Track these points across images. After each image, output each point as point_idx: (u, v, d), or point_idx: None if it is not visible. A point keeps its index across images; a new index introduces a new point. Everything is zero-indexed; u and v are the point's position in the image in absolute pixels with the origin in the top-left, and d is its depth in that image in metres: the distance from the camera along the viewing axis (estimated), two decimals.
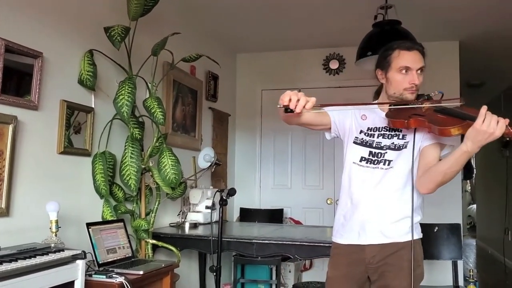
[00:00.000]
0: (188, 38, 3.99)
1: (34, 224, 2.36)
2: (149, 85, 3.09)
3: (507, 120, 1.63)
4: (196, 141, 4.32)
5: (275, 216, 4.84)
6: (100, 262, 2.51)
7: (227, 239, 3.19)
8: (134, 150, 2.87)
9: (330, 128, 2.08)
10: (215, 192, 3.11)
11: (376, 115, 2.03)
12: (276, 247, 3.12)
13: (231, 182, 5.13)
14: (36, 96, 2.41)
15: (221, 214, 2.94)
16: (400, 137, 1.97)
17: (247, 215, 4.92)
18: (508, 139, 1.70)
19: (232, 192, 2.99)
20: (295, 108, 1.66)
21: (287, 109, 1.69)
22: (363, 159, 1.98)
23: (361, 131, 2.03)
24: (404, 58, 1.92)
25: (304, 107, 1.67)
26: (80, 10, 2.81)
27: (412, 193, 1.91)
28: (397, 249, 1.92)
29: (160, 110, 2.88)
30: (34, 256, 1.93)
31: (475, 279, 4.49)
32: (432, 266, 4.55)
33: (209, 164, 4.04)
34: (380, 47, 3.37)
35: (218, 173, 4.73)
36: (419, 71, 1.93)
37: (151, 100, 2.92)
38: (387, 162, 1.94)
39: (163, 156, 3.01)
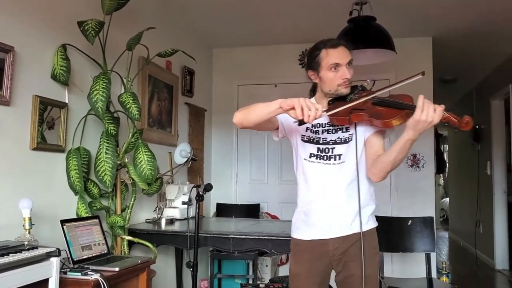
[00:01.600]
0: (163, 32, 3.96)
1: (7, 221, 2.32)
2: (124, 80, 3.06)
3: (443, 107, 1.72)
4: (172, 136, 4.29)
5: (251, 211, 4.85)
6: (75, 259, 2.48)
7: (204, 235, 3.19)
8: (109, 146, 2.84)
9: (277, 129, 2.12)
10: (192, 188, 3.11)
11: None
12: (252, 242, 3.14)
13: (208, 178, 5.13)
14: (8, 91, 2.37)
15: (197, 210, 2.94)
16: (344, 130, 2.03)
17: (223, 210, 4.93)
18: (446, 124, 1.80)
19: (208, 187, 2.99)
20: (307, 121, 1.73)
21: (301, 122, 1.73)
22: (313, 155, 2.04)
23: (307, 129, 2.08)
24: (333, 56, 1.97)
25: (315, 117, 1.72)
26: (53, 3, 2.76)
27: (358, 185, 1.99)
28: (357, 239, 1.99)
29: (136, 105, 2.86)
30: (7, 254, 1.90)
31: (447, 271, 4.60)
32: (406, 258, 4.65)
33: (186, 159, 4.03)
34: (356, 42, 3.44)
35: (195, 168, 4.72)
36: (348, 65, 1.99)
37: (126, 95, 2.90)
38: (337, 157, 2.00)
39: (138, 151, 2.99)
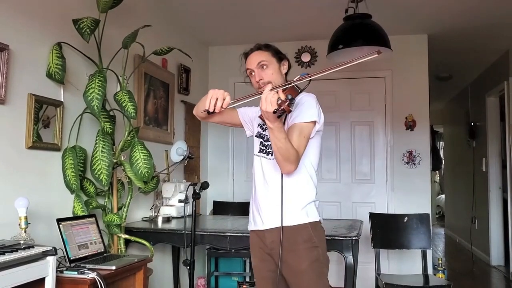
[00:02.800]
0: (159, 30, 3.95)
1: (3, 220, 2.31)
2: (120, 78, 3.05)
3: (275, 95, 1.74)
4: (168, 134, 4.29)
5: (248, 208, 4.83)
6: (71, 258, 2.48)
7: (201, 233, 3.20)
8: (105, 144, 2.83)
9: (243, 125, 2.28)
10: (188, 186, 3.10)
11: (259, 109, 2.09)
12: (249, 239, 3.13)
13: (204, 176, 5.13)
14: (3, 90, 2.36)
15: (194, 208, 2.93)
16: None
17: (220, 208, 4.92)
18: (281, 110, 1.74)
19: (205, 185, 2.98)
20: (214, 109, 1.88)
21: (208, 111, 1.89)
22: (260, 150, 2.14)
23: (258, 125, 2.19)
24: (246, 64, 2.16)
25: (221, 107, 1.89)
26: (48, 1, 2.75)
27: (281, 179, 2.00)
28: (291, 232, 1.99)
29: (132, 103, 2.85)
30: (3, 253, 1.90)
31: (443, 267, 4.63)
32: (402, 255, 4.66)
33: (182, 157, 4.02)
34: (351, 40, 3.44)
35: (191, 166, 4.72)
36: (260, 67, 2.10)
37: (122, 93, 2.89)
38: (271, 153, 2.05)
39: (135, 150, 2.99)
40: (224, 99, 1.90)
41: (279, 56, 2.14)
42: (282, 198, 2.00)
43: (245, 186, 5.24)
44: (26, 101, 2.54)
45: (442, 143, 10.70)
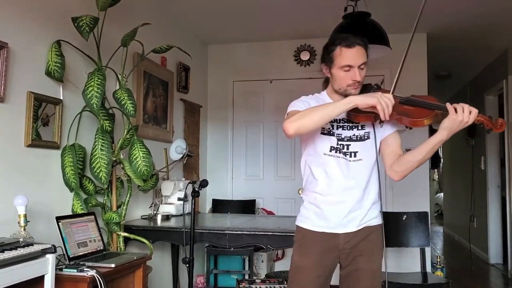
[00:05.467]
0: (158, 28, 3.94)
1: (2, 218, 2.31)
2: (119, 76, 3.05)
3: (476, 110, 1.78)
4: (167, 132, 4.29)
5: (247, 207, 4.86)
6: (70, 256, 2.48)
7: (200, 231, 3.20)
8: (105, 142, 2.83)
9: None
10: (187, 184, 3.10)
11: None
12: (248, 237, 3.14)
13: (203, 174, 5.13)
14: (2, 88, 2.36)
15: (193, 206, 2.94)
16: (360, 128, 2.03)
17: (219, 206, 4.93)
18: (481, 125, 1.83)
19: (204, 183, 2.99)
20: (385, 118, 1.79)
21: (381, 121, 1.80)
22: (333, 148, 2.00)
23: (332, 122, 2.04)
24: (346, 57, 1.93)
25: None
26: None
27: (379, 180, 2.00)
28: (368, 233, 2.01)
29: (131, 101, 2.85)
30: (2, 251, 1.90)
31: (442, 265, 4.64)
32: (401, 253, 4.67)
33: (181, 155, 4.03)
34: None
35: (190, 164, 4.72)
36: (361, 67, 1.96)
37: (121, 91, 2.89)
38: (353, 154, 1.99)
39: (134, 148, 2.99)
40: (391, 104, 1.80)
41: None
42: (380, 197, 2.04)
43: (244, 184, 5.26)
44: (25, 99, 2.54)
45: None
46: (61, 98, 2.81)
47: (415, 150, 1.90)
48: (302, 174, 2.15)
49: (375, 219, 2.05)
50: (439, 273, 4.49)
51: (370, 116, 1.91)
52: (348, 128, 2.02)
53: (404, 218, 3.90)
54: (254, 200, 4.95)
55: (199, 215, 4.20)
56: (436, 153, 9.38)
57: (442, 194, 10.76)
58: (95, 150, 2.81)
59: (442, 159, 10.09)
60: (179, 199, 3.80)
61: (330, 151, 2.00)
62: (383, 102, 1.76)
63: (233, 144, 5.34)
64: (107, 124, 2.90)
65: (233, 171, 5.31)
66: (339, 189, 1.99)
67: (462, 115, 1.74)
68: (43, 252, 2.07)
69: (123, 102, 2.84)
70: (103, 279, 2.26)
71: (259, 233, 3.12)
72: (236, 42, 5.24)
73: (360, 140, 2.01)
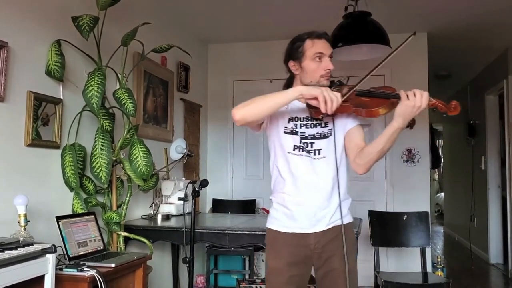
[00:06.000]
0: (159, 28, 3.94)
1: (2, 218, 2.31)
2: (119, 76, 3.05)
3: (427, 93, 1.75)
4: (167, 132, 4.29)
5: (247, 206, 4.86)
6: (71, 256, 2.48)
7: (200, 230, 3.20)
8: (105, 142, 2.83)
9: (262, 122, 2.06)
10: (188, 184, 3.10)
11: (294, 105, 2.03)
12: (248, 237, 3.14)
13: (204, 173, 5.13)
14: (2, 87, 2.36)
15: (193, 206, 2.93)
16: (323, 125, 2.02)
17: (219, 206, 4.93)
18: (435, 109, 1.82)
19: (204, 183, 2.99)
20: (328, 111, 1.77)
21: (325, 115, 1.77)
22: (296, 147, 2.00)
23: (289, 120, 2.04)
24: (318, 46, 1.98)
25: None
26: None
27: (338, 178, 1.98)
28: (338, 232, 1.98)
29: (131, 101, 2.85)
30: (3, 251, 1.90)
31: (442, 265, 4.64)
32: (401, 253, 4.67)
33: (181, 155, 4.02)
34: (351, 38, 3.43)
35: (190, 164, 4.72)
36: (331, 56, 2.00)
37: (122, 91, 2.89)
38: (317, 152, 1.99)
39: (134, 148, 2.98)
40: (338, 99, 1.78)
41: None
42: (340, 198, 1.99)
43: (244, 184, 5.25)
44: (25, 98, 2.53)
45: (441, 141, 10.71)
46: (61, 97, 2.81)
47: (375, 141, 1.89)
48: (271, 175, 2.14)
49: (345, 218, 2.02)
50: (439, 273, 4.49)
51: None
52: (312, 126, 2.01)
53: (404, 218, 3.90)
54: (254, 200, 4.95)
55: (199, 215, 4.19)
56: (437, 153, 9.39)
57: (442, 194, 10.75)
58: (95, 150, 2.81)
59: (442, 159, 10.09)
60: (179, 199, 3.80)
61: (294, 149, 2.00)
62: (326, 95, 1.77)
63: (233, 143, 5.33)
64: (107, 124, 2.90)
65: (233, 171, 5.31)
66: (305, 188, 1.98)
67: (414, 100, 1.73)
68: (43, 252, 2.07)
69: (123, 102, 2.84)
70: (103, 279, 2.26)
71: (259, 233, 3.11)
72: (236, 41, 5.24)
73: (323, 138, 2.00)
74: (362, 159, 1.94)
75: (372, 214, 3.90)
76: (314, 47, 1.98)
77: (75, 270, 2.30)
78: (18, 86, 2.49)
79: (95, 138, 2.84)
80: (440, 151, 10.51)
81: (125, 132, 3.04)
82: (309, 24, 4.56)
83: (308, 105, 1.92)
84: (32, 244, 2.07)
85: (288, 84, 2.12)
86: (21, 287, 1.98)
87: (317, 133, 2.00)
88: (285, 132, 2.02)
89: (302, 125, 2.02)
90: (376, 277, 3.66)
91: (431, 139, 6.64)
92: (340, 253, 1.95)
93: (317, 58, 1.97)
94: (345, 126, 2.01)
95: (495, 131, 6.26)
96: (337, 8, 3.58)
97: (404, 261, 4.63)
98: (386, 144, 1.84)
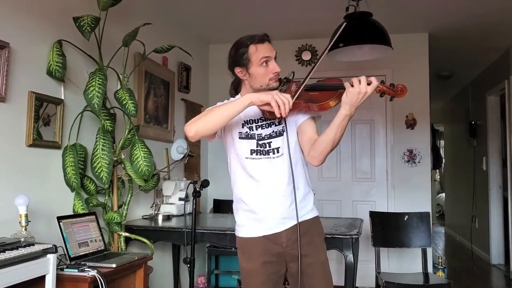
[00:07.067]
0: (160, 28, 3.94)
1: (3, 218, 2.31)
2: (120, 76, 3.05)
3: (376, 79, 1.77)
4: (168, 132, 4.29)
5: None
6: (71, 256, 2.48)
7: (201, 231, 3.19)
8: (106, 142, 2.83)
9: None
10: (188, 184, 3.10)
11: (247, 109, 2.00)
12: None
13: (204, 174, 5.13)
14: (3, 87, 2.36)
15: (194, 206, 2.93)
16: (277, 123, 2.02)
17: (221, 206, 4.92)
18: (382, 95, 1.82)
19: (205, 183, 2.98)
20: (284, 114, 1.76)
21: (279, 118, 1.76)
22: (253, 151, 2.00)
23: (242, 125, 2.03)
24: (262, 50, 1.97)
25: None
26: None
27: (293, 174, 1.96)
28: (307, 228, 1.99)
29: (132, 101, 2.85)
30: (3, 251, 1.90)
31: (443, 265, 4.63)
32: (402, 253, 4.66)
33: (182, 155, 4.02)
34: (352, 38, 3.43)
35: (191, 164, 4.72)
36: (276, 58, 2.00)
37: (123, 91, 2.89)
38: (276, 150, 1.99)
39: (135, 148, 2.99)
40: (289, 101, 1.78)
41: None
42: (294, 193, 1.96)
43: None
44: (26, 99, 2.54)
45: (442, 142, 10.70)
46: (62, 98, 2.81)
47: (325, 131, 1.88)
48: (231, 181, 2.13)
49: (311, 212, 2.04)
50: (440, 273, 4.48)
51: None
52: (267, 126, 2.02)
53: (405, 219, 3.89)
54: None
55: (200, 215, 4.19)
56: (438, 153, 9.38)
57: (443, 195, 10.73)
58: (96, 150, 2.81)
59: (443, 160, 10.08)
60: (180, 199, 3.80)
61: (251, 154, 2.00)
62: (278, 99, 1.77)
63: None
64: (108, 124, 2.90)
65: None
66: (267, 190, 1.98)
67: (358, 86, 1.73)
68: (44, 252, 2.07)
69: (124, 102, 2.84)
70: (104, 279, 2.26)
71: None
72: None
73: (279, 136, 2.00)
74: (315, 151, 1.94)
75: (373, 214, 3.90)
76: (258, 52, 1.97)
77: (76, 270, 2.30)
78: (19, 86, 2.49)
79: (96, 138, 2.84)
80: (441, 151, 10.49)
81: (126, 133, 3.04)
82: (310, 25, 4.60)
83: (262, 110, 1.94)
84: (33, 244, 2.08)
85: (235, 88, 2.14)
86: (22, 287, 1.98)
87: (273, 131, 2.01)
88: (240, 138, 2.03)
89: (257, 126, 2.03)
90: (377, 277, 3.65)
91: (432, 140, 6.64)
92: (311, 248, 1.98)
93: (264, 63, 1.96)
94: (297, 121, 2.02)
95: (496, 131, 6.26)
96: (338, 8, 3.58)
97: (405, 262, 4.62)
98: (337, 132, 1.84)
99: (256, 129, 2.02)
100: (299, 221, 1.95)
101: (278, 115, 1.79)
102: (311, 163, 2.01)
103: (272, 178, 1.98)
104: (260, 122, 2.03)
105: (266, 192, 1.99)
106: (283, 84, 2.00)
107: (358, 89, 1.74)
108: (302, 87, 1.89)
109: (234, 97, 2.15)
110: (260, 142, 2.00)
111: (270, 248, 2.00)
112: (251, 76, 1.99)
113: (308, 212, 2.03)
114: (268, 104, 1.80)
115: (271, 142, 2.00)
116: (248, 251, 2.05)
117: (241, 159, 2.02)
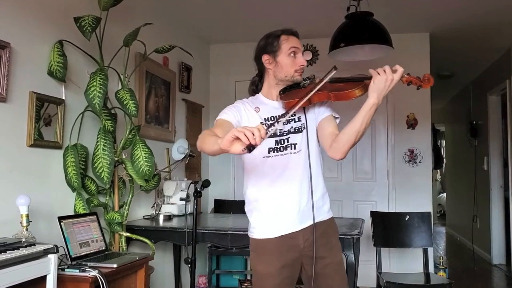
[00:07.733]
0: (160, 28, 3.94)
1: (4, 218, 2.31)
2: (121, 76, 3.05)
3: (402, 69, 1.80)
4: (169, 132, 4.29)
5: None
6: (72, 256, 2.48)
7: (202, 231, 3.19)
8: (107, 142, 2.83)
9: None
10: (189, 184, 3.10)
11: (268, 105, 2.05)
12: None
13: (205, 174, 5.13)
14: (4, 87, 2.36)
15: (195, 206, 2.93)
16: (296, 120, 2.01)
17: (221, 206, 4.92)
18: (409, 84, 1.86)
19: (206, 183, 2.99)
20: (255, 143, 1.50)
21: (250, 148, 1.52)
22: (271, 149, 1.97)
23: (261, 123, 1.95)
24: (293, 41, 2.03)
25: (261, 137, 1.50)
26: None
27: (310, 172, 1.96)
28: (324, 227, 1.99)
29: (133, 101, 2.85)
30: (5, 251, 1.90)
31: (445, 265, 4.62)
32: (403, 254, 4.66)
33: (183, 155, 4.02)
34: (353, 38, 3.43)
35: (192, 164, 4.72)
36: (303, 53, 2.05)
37: (124, 91, 2.89)
38: (293, 146, 1.98)
39: (136, 148, 2.99)
40: (259, 130, 1.48)
41: None
42: (312, 191, 1.96)
43: None
44: (27, 99, 2.54)
45: (443, 142, 10.69)
46: (63, 98, 2.81)
47: (351, 122, 1.87)
48: (245, 183, 2.11)
49: (327, 213, 2.05)
50: (441, 273, 4.48)
51: (304, 103, 1.87)
52: (286, 122, 2.00)
53: (406, 219, 3.89)
54: None
55: (201, 215, 4.19)
56: (439, 153, 9.37)
57: (444, 195, 10.72)
58: (97, 150, 2.81)
59: (444, 159, 10.07)
60: (181, 199, 3.79)
61: (269, 152, 1.98)
62: (243, 130, 1.48)
63: None
64: (109, 124, 2.90)
65: (235, 171, 5.30)
66: (283, 188, 1.96)
67: (385, 74, 1.76)
68: (45, 252, 2.07)
69: (125, 102, 2.84)
70: (105, 279, 2.26)
71: None
72: (238, 41, 5.23)
73: (298, 132, 1.99)
74: (339, 142, 1.90)
75: (374, 214, 3.90)
76: (289, 42, 2.02)
77: (77, 270, 2.30)
78: (20, 86, 2.50)
79: (97, 138, 2.84)
80: (442, 151, 10.49)
81: (127, 133, 3.04)
82: (311, 25, 4.60)
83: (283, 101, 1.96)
84: (34, 245, 2.08)
85: (257, 82, 2.16)
86: (23, 287, 1.98)
87: (292, 128, 2.00)
88: None
89: (279, 122, 2.02)
90: (378, 277, 3.65)
91: (433, 140, 6.63)
92: (327, 249, 1.97)
93: (292, 54, 2.01)
94: (317, 117, 2.02)
95: (497, 131, 6.25)
96: (339, 8, 3.58)
97: (406, 262, 4.62)
98: (363, 123, 1.84)
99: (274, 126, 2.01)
100: (316, 221, 1.95)
101: (247, 143, 1.49)
102: (332, 157, 1.96)
103: (289, 175, 1.96)
104: (281, 118, 2.01)
105: (282, 189, 1.97)
106: (306, 80, 2.02)
107: (385, 76, 1.76)
108: (326, 79, 1.85)
109: (253, 95, 2.16)
110: (279, 139, 1.98)
111: (286, 251, 1.95)
112: (278, 65, 2.01)
113: (325, 212, 2.04)
114: (237, 138, 1.51)
115: (289, 137, 1.99)
116: (263, 252, 2.00)
117: (259, 158, 1.99)
